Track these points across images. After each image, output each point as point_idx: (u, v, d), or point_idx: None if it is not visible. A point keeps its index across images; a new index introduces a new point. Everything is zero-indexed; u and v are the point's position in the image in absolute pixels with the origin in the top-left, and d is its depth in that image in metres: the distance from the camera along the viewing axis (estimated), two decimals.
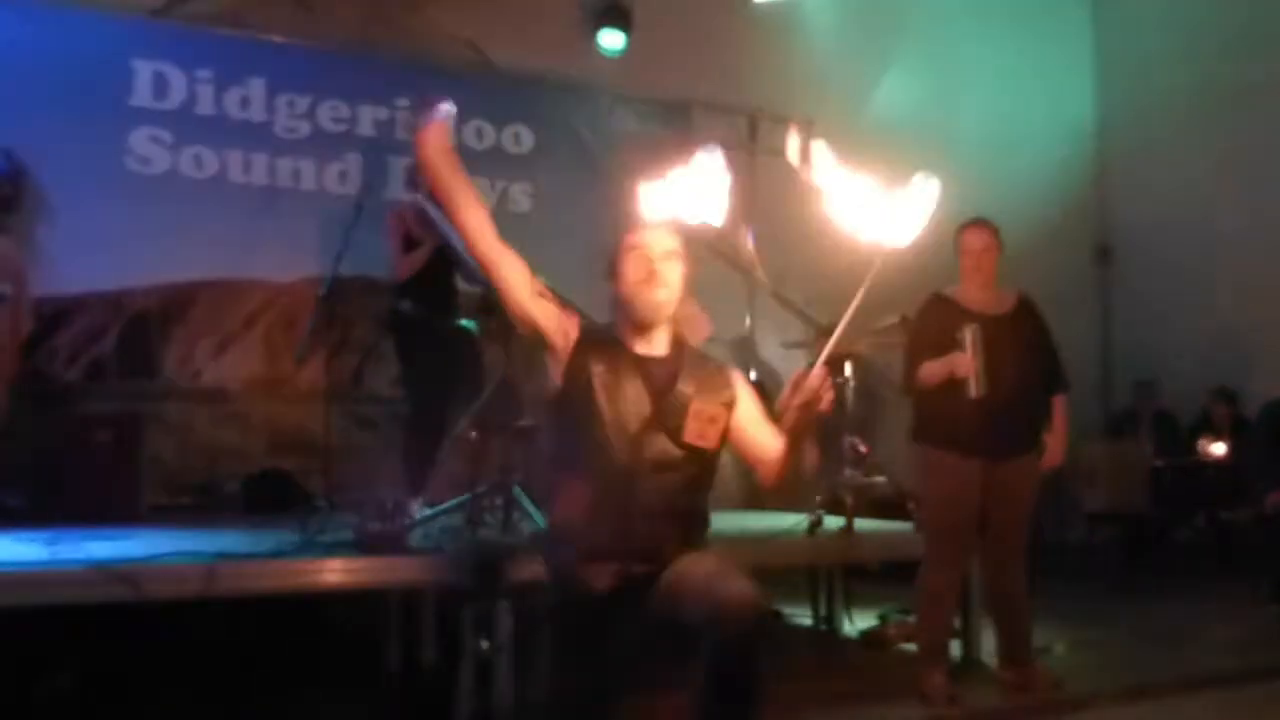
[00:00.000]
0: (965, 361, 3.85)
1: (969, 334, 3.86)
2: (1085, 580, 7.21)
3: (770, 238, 7.93)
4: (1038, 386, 4.02)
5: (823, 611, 5.41)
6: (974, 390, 3.82)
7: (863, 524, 4.87)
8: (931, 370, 3.93)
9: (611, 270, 2.66)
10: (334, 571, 3.56)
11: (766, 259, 7.73)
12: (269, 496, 5.66)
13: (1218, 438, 7.72)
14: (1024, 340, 3.98)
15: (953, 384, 3.88)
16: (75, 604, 3.29)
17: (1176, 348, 8.52)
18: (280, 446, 6.23)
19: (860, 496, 4.94)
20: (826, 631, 5.33)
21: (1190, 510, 7.90)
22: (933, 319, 4.04)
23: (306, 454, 6.11)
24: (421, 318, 5.12)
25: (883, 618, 5.09)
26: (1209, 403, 8.00)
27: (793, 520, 4.78)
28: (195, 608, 3.48)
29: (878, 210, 2.46)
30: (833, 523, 4.84)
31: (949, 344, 3.91)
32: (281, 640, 4.56)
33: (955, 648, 4.36)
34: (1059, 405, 4.09)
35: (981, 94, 8.32)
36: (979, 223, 4.07)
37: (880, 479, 5.08)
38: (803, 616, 5.48)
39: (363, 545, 3.82)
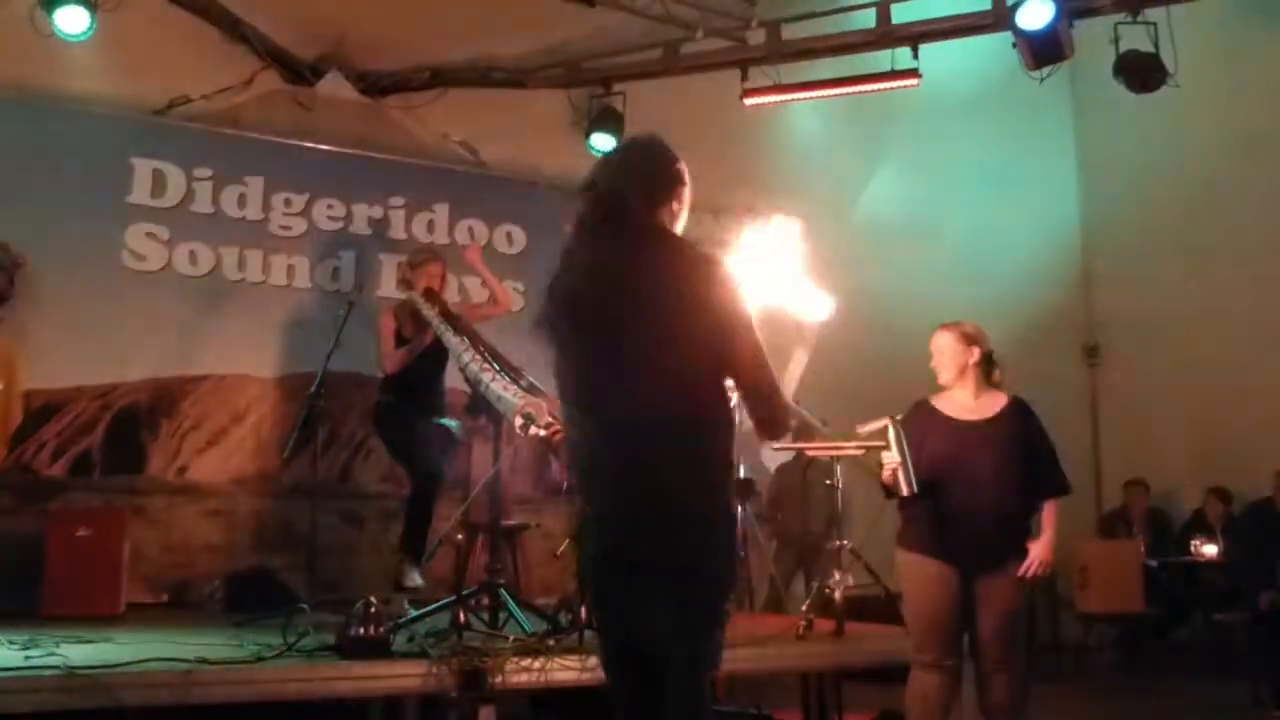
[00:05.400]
0: (889, 459, 3.87)
1: (891, 430, 3.84)
2: (1081, 682, 7.10)
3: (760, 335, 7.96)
4: (1020, 493, 3.95)
5: (814, 715, 5.31)
6: (904, 489, 3.80)
7: (854, 627, 4.81)
8: (886, 473, 3.95)
9: None
10: (315, 680, 3.50)
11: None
12: (252, 595, 5.57)
13: (1211, 537, 7.69)
14: (1007, 445, 3.94)
15: (929, 488, 3.88)
16: (49, 712, 3.21)
17: (1166, 446, 8.53)
18: (265, 543, 6.16)
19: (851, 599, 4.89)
20: None
21: (1186, 610, 7.83)
22: (907, 424, 4.04)
23: (292, 551, 6.06)
24: (404, 413, 5.15)
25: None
26: (1204, 502, 7.99)
27: (785, 624, 4.71)
28: (172, 714, 3.40)
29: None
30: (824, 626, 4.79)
31: (920, 449, 3.92)
32: None
33: None
34: (1050, 509, 4.02)
35: (967, 196, 8.46)
36: (942, 325, 4.09)
37: (870, 582, 5.04)
38: None
39: (345, 650, 3.75)
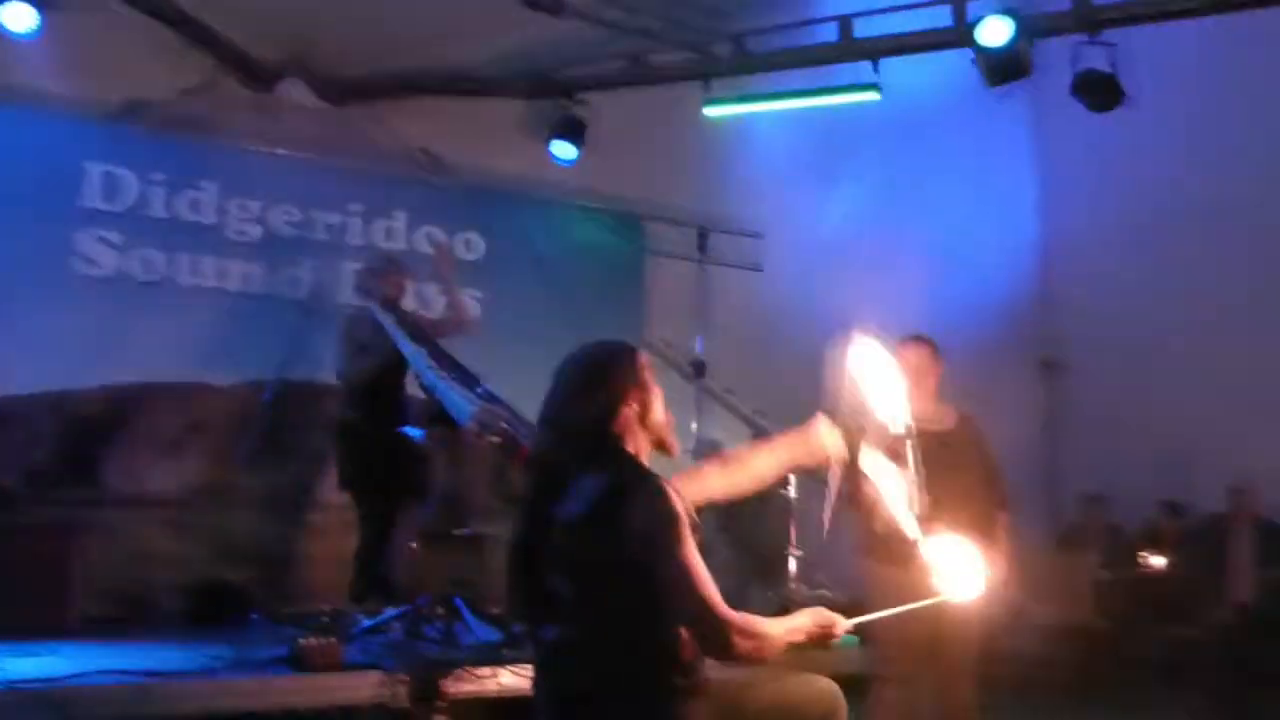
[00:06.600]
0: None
1: (909, 447, 3.83)
2: (1035, 693, 7.14)
3: (720, 347, 8.01)
4: (981, 503, 3.99)
5: None
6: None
7: None
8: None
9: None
10: (268, 692, 3.45)
11: (717, 368, 7.82)
12: (207, 607, 5.48)
13: (1160, 550, 7.77)
14: (963, 458, 3.97)
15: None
16: None
17: (1124, 461, 8.60)
18: (222, 555, 6.05)
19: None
20: None
21: (1138, 624, 7.91)
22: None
23: (250, 563, 5.96)
24: (365, 426, 5.10)
25: None
26: (1155, 516, 8.09)
27: None
28: None
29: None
30: None
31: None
32: None
33: None
34: (1000, 521, 4.06)
35: (928, 210, 8.53)
36: (916, 339, 4.10)
37: (826, 592, 5.05)
38: None
39: (298, 661, 3.71)
